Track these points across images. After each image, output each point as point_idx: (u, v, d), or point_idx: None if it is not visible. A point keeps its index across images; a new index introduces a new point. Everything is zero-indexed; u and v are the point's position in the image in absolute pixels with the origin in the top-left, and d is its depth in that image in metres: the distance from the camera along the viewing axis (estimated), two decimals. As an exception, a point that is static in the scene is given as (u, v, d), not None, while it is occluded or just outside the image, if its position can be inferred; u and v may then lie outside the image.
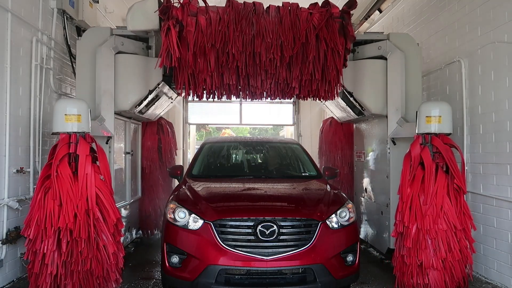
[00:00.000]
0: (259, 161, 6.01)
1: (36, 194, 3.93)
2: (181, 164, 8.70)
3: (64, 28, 5.58)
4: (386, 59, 5.22)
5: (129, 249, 6.20)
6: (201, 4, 4.65)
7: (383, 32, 5.66)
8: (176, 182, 5.98)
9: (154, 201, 6.82)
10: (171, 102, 6.55)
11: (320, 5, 4.77)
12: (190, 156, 9.90)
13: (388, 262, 5.36)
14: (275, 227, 3.79)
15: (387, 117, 5.25)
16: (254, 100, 5.19)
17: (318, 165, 6.45)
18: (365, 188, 6.42)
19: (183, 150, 9.88)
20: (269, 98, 5.16)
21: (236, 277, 3.75)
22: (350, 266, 4.03)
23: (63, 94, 5.61)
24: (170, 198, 4.44)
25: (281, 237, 3.81)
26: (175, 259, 3.90)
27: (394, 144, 5.25)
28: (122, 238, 4.54)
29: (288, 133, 11.70)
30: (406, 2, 6.90)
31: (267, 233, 3.77)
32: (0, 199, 4.33)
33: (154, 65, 4.75)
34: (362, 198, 6.58)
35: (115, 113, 5.05)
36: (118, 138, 5.70)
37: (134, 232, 6.56)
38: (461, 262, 4.20)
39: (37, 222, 3.81)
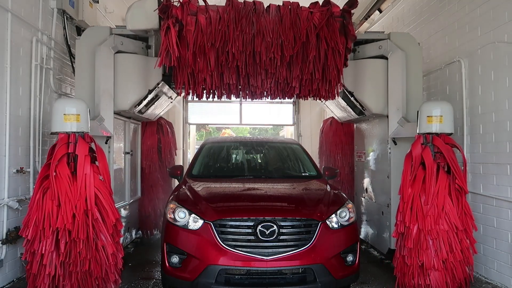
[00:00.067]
0: (259, 161, 5.99)
1: (34, 194, 3.91)
2: (181, 164, 8.69)
3: (64, 28, 5.57)
4: (387, 58, 5.21)
5: (129, 249, 6.19)
6: (201, 3, 4.64)
7: (384, 32, 5.64)
8: (176, 182, 5.97)
9: (153, 201, 6.80)
10: (171, 102, 6.53)
11: (320, 4, 4.75)
12: (190, 156, 9.88)
13: (389, 262, 5.35)
14: (275, 227, 3.78)
15: (388, 117, 5.23)
16: (254, 100, 5.16)
17: (318, 165, 6.44)
18: (366, 188, 6.40)
19: (183, 150, 9.86)
20: (269, 98, 5.13)
21: (236, 277, 3.75)
22: (350, 266, 4.02)
23: (63, 94, 5.60)
24: (170, 198, 4.44)
25: (281, 237, 3.80)
26: (175, 259, 3.90)
27: (395, 144, 5.23)
28: (121, 239, 4.53)
29: (288, 133, 11.68)
30: (406, 2, 6.89)
31: (267, 233, 3.76)
32: (0, 199, 4.33)
33: (154, 65, 4.73)
34: (362, 198, 6.57)
35: (115, 113, 5.03)
36: (118, 138, 5.69)
37: (133, 233, 6.54)
38: (463, 263, 4.18)
39: (35, 222, 3.79)
